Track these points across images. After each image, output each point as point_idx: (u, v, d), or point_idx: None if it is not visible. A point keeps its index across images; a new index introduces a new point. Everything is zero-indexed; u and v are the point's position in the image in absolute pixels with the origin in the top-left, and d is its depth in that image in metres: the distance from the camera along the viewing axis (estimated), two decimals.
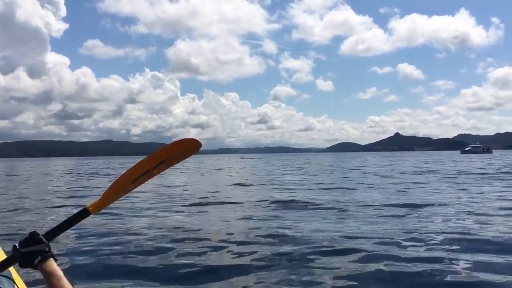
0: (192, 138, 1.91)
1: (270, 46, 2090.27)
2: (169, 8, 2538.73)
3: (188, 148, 1.91)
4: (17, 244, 1.52)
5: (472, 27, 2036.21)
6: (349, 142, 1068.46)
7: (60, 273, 1.46)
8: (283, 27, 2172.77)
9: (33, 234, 1.53)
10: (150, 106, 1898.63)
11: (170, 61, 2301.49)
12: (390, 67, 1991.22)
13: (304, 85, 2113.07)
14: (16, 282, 1.81)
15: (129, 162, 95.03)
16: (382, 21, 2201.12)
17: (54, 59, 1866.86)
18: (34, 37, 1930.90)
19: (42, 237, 1.54)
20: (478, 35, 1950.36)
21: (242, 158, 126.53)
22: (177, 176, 30.02)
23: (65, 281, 1.44)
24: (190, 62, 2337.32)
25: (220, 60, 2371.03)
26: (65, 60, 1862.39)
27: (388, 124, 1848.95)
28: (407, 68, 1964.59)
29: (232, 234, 8.03)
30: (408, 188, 17.17)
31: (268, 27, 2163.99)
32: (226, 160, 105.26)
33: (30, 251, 1.49)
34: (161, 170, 1.88)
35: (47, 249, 1.51)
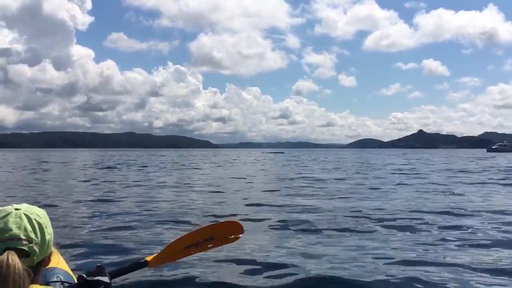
0: (237, 222, 2.36)
1: (292, 41, 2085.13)
2: (192, 1, 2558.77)
3: (232, 232, 2.33)
4: (84, 274, 1.72)
5: (500, 23, 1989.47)
6: (371, 139, 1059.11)
7: None
8: (306, 22, 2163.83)
9: (100, 267, 1.76)
10: (173, 99, 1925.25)
11: (193, 54, 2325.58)
12: (414, 63, 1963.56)
13: (326, 80, 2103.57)
14: None
15: (152, 154, 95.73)
16: (407, 16, 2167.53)
17: (79, 52, 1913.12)
18: (60, 30, 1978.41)
19: (106, 272, 1.76)
20: (506, 31, 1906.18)
21: (263, 153, 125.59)
22: (201, 175, 29.59)
23: None
24: (213, 56, 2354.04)
25: (242, 54, 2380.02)
26: (90, 52, 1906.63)
27: (411, 121, 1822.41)
28: (432, 64, 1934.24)
29: (262, 253, 6.65)
30: (456, 192, 15.69)
31: (291, 22, 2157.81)
32: (249, 155, 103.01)
33: (95, 280, 1.69)
34: (208, 247, 2.27)
35: (109, 281, 1.73)
